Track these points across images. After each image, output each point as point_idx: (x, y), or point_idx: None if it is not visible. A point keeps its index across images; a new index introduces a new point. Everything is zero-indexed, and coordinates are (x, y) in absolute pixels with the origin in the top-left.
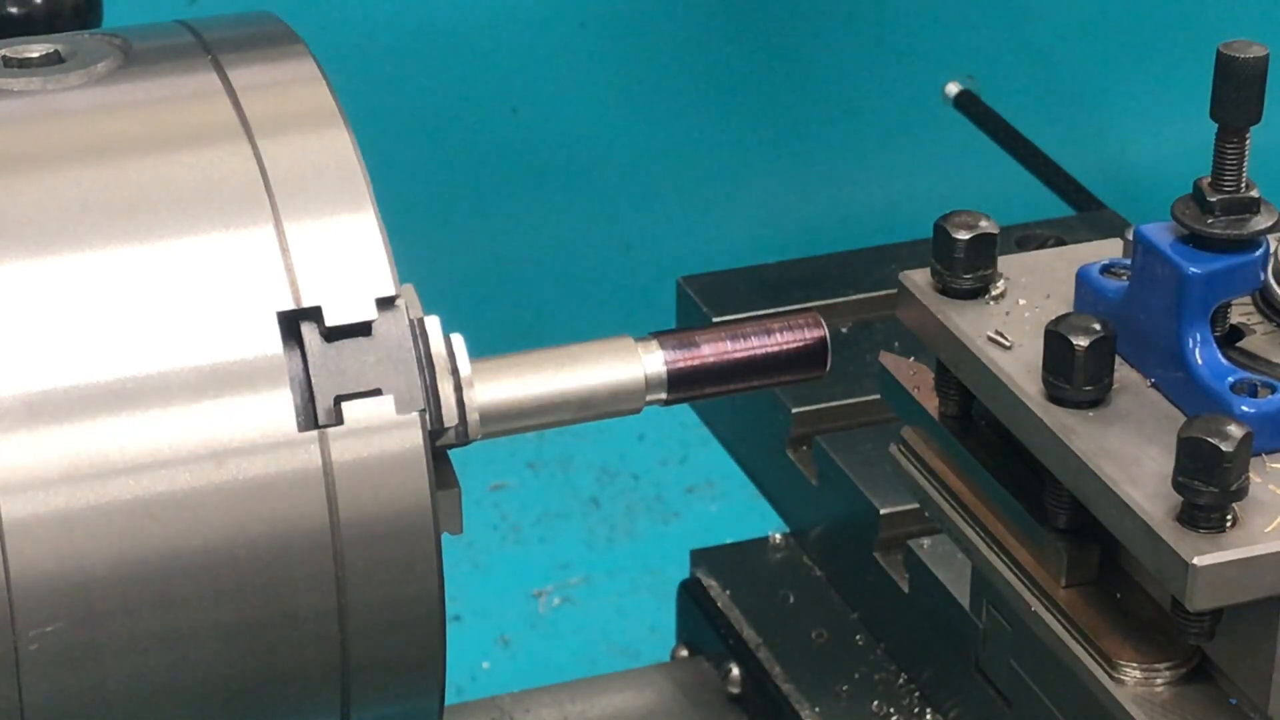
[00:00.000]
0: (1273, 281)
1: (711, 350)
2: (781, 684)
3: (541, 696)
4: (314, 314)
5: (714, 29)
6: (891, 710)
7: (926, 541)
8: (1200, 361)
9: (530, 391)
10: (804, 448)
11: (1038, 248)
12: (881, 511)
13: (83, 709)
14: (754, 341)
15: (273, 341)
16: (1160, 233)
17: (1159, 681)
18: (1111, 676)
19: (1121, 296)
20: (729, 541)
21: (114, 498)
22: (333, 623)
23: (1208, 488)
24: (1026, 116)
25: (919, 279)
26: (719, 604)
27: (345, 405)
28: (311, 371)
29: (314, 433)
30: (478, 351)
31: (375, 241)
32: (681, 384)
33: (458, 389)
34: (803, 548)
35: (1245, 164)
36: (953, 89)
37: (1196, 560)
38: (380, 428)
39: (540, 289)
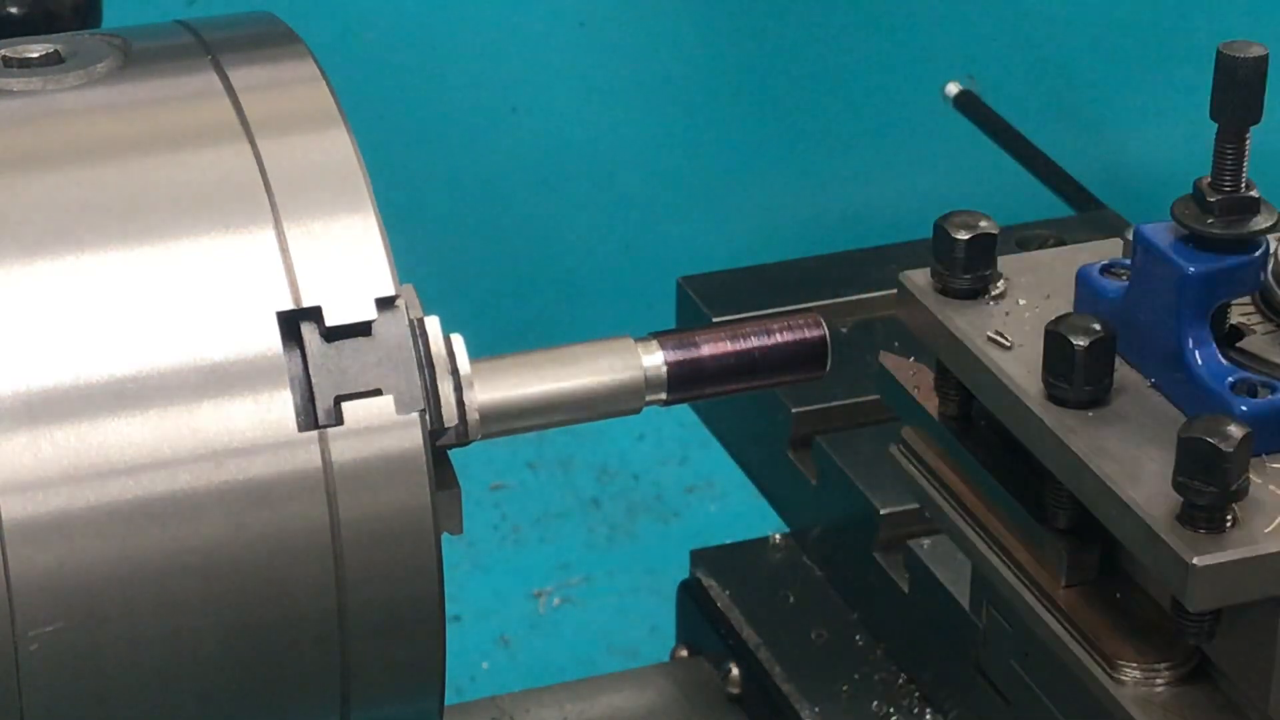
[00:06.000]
0: (1273, 281)
1: (711, 350)
2: (781, 684)
3: (541, 696)
4: (314, 314)
5: (714, 29)
6: (891, 710)
7: (926, 541)
8: (1200, 361)
9: (530, 391)
10: (804, 448)
11: (1038, 248)
12: (881, 511)
13: (83, 709)
14: (754, 341)
15: (273, 341)
16: (1160, 233)
17: (1159, 681)
18: (1111, 676)
19: (1121, 296)
20: (729, 541)
21: (114, 498)
22: (333, 623)
23: (1208, 488)
24: (1026, 116)
25: (919, 279)
26: (719, 604)
27: (345, 405)
28: (311, 371)
29: (314, 433)
30: (478, 351)
31: (375, 241)
32: (681, 384)
33: (458, 389)
34: (803, 548)
35: (1245, 164)
36: (953, 89)
37: (1196, 560)
38: (380, 428)
39: (540, 289)
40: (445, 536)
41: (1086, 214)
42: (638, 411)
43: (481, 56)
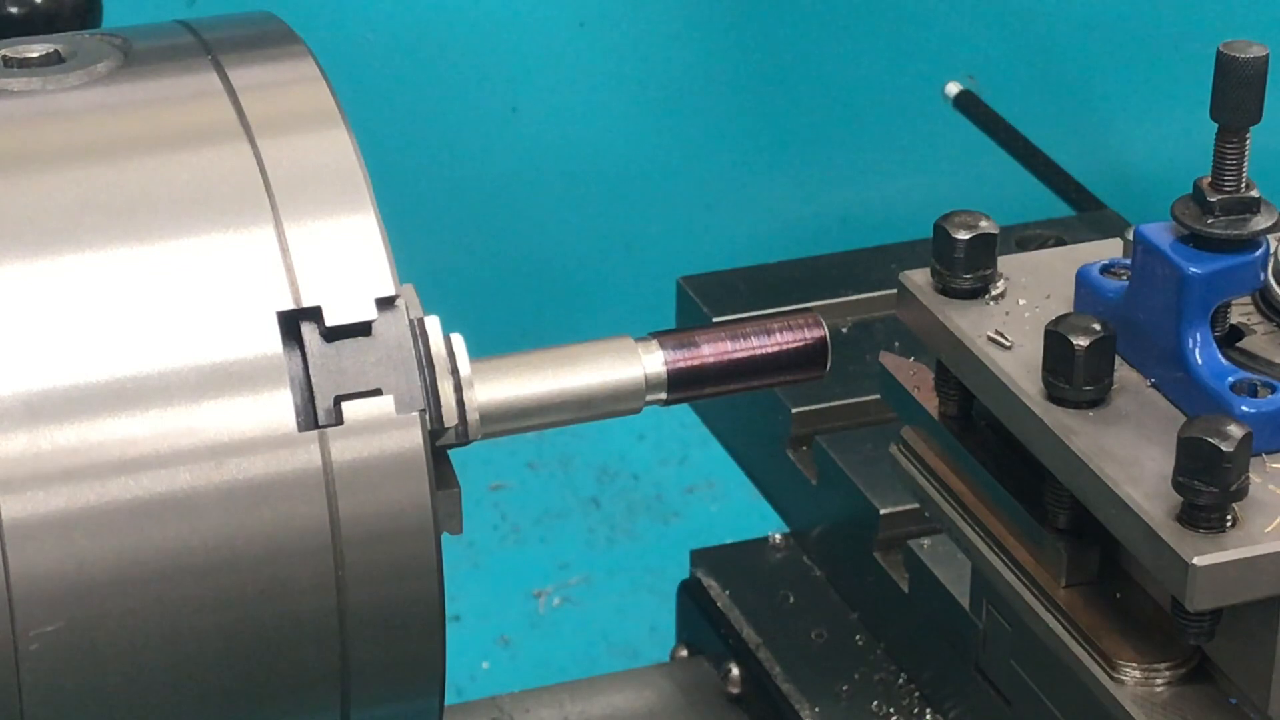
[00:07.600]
0: (1273, 281)
1: (711, 350)
2: (781, 684)
3: (541, 696)
4: (314, 314)
5: (714, 29)
6: (891, 710)
7: (926, 541)
8: (1200, 361)
9: (530, 391)
10: (804, 448)
11: (1038, 248)
12: (881, 511)
13: (83, 709)
14: (754, 341)
15: (273, 341)
16: (1160, 233)
17: (1159, 681)
18: (1111, 676)
19: (1121, 296)
20: (729, 541)
21: (114, 498)
22: (332, 623)
23: (1208, 488)
24: (1026, 116)
25: (919, 279)
26: (719, 604)
27: (345, 405)
28: (311, 371)
29: (314, 433)
30: (478, 351)
31: (375, 241)
32: (681, 384)
33: (458, 389)
34: (803, 548)
35: (1245, 164)
36: (953, 89)
37: (1196, 560)
38: (380, 428)
39: (540, 289)
40: (445, 536)
41: (1086, 214)
42: (638, 411)
43: (481, 56)
